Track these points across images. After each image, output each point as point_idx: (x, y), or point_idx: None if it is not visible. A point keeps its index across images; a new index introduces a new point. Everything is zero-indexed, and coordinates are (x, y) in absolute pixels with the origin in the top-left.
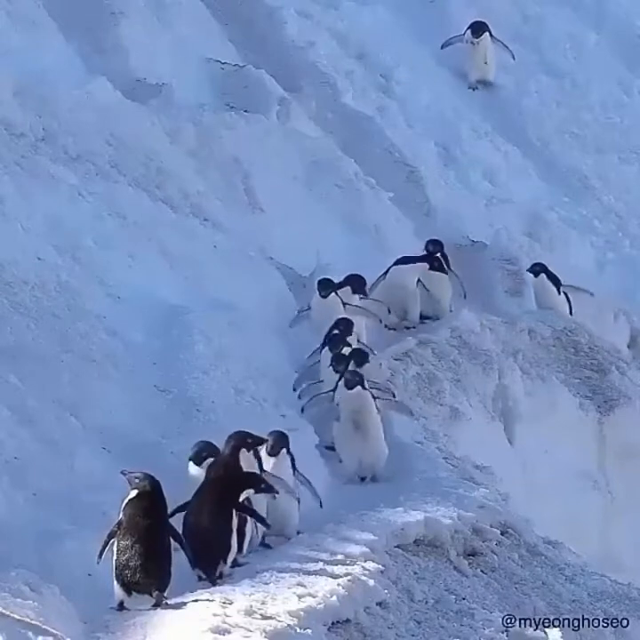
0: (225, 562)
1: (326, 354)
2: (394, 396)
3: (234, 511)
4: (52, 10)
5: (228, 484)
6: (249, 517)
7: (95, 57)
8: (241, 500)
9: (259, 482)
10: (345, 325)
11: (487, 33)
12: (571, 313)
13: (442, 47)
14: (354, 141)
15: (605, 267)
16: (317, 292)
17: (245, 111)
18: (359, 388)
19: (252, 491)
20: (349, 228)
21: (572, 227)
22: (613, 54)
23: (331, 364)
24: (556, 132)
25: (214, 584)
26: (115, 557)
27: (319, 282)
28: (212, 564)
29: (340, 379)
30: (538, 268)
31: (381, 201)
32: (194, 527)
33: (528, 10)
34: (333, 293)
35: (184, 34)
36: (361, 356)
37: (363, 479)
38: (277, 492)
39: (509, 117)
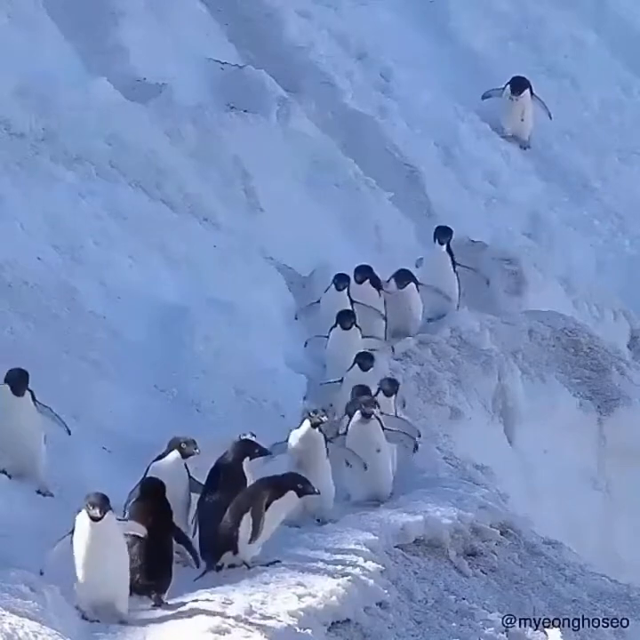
0: (234, 553)
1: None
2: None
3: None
4: (51, 10)
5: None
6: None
7: (95, 57)
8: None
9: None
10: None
11: (528, 90)
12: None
13: (482, 98)
14: (354, 141)
15: (605, 267)
16: (339, 325)
17: (245, 111)
18: (308, 427)
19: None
20: (349, 228)
21: (572, 227)
22: (613, 54)
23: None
24: (556, 132)
25: (216, 570)
26: None
27: (340, 313)
28: (216, 552)
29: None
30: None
31: (381, 201)
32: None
33: (528, 10)
34: (355, 326)
35: (184, 34)
36: (391, 385)
37: (318, 521)
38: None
39: None
